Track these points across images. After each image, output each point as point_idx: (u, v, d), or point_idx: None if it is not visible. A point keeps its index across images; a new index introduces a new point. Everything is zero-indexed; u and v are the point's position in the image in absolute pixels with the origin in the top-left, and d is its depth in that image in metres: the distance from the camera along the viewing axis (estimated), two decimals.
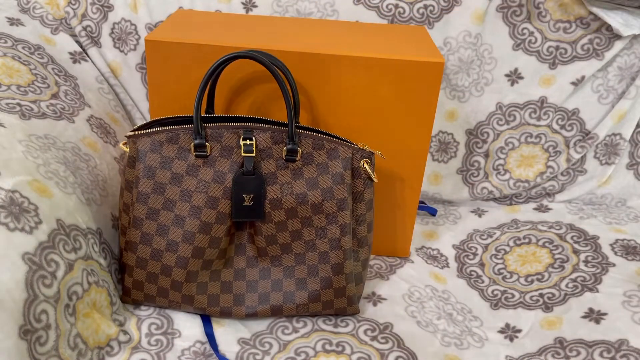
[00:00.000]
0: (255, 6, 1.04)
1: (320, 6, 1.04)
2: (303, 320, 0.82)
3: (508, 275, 0.97)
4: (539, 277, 0.95)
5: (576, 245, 1.01)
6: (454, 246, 1.04)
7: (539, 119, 1.10)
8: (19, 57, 0.91)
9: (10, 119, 0.78)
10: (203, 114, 0.82)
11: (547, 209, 1.13)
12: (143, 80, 1.07)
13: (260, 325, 0.81)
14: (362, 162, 0.79)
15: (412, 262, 0.97)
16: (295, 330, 0.80)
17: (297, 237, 0.79)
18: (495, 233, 1.07)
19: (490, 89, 1.07)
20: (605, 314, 0.85)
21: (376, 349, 0.77)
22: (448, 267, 0.99)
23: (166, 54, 0.83)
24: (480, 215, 1.12)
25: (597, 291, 0.90)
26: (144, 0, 1.03)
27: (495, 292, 0.93)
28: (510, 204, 1.16)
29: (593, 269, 0.95)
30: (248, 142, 0.75)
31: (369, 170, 0.79)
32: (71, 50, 1.02)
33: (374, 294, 0.88)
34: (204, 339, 0.78)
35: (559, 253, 1.00)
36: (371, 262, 0.96)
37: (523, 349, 0.82)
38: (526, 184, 1.13)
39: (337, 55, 0.82)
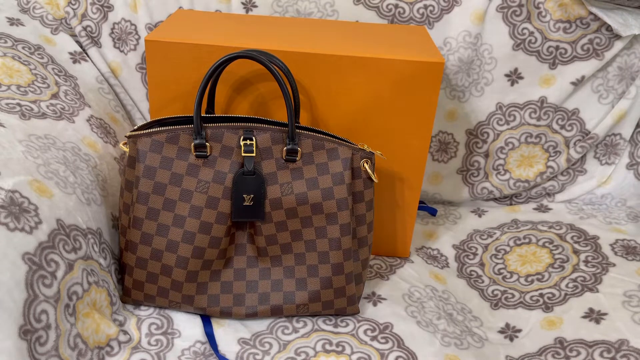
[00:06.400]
0: (255, 6, 1.04)
1: (320, 6, 1.04)
2: (303, 320, 0.82)
3: (508, 275, 0.97)
4: (539, 277, 0.95)
5: (576, 245, 1.01)
6: (454, 246, 1.04)
7: (539, 119, 1.10)
8: (19, 57, 0.91)
9: (10, 119, 0.78)
10: (203, 114, 0.82)
11: (547, 209, 1.13)
12: (143, 80, 1.07)
13: (260, 325, 0.81)
14: (362, 162, 0.79)
15: (412, 262, 0.97)
16: (295, 330, 0.80)
17: (297, 237, 0.79)
18: (495, 233, 1.07)
19: (490, 89, 1.07)
20: (605, 314, 0.85)
21: (376, 349, 0.77)
22: (448, 267, 0.99)
23: (166, 54, 0.83)
24: (480, 215, 1.12)
25: (597, 291, 0.90)
26: (144, 0, 1.03)
27: (496, 292, 0.93)
28: (510, 204, 1.16)
29: (593, 269, 0.95)
30: (248, 142, 0.75)
31: (369, 170, 0.79)
32: (71, 50, 1.02)
33: (374, 294, 0.88)
34: (204, 339, 0.78)
35: (559, 253, 1.00)
36: (371, 262, 0.96)
37: (523, 349, 0.82)
38: (526, 184, 1.13)
39: (337, 55, 0.82)
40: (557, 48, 1.05)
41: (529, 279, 0.95)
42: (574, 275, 0.94)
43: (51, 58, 0.97)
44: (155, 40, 0.82)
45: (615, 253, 0.98)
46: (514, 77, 1.07)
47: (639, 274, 0.93)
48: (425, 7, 1.03)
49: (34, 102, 0.85)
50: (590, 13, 1.03)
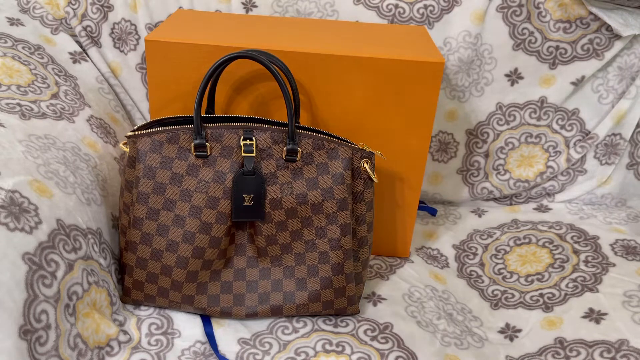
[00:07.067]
0: (255, 6, 1.04)
1: (320, 6, 1.04)
2: (303, 320, 0.82)
3: (508, 275, 0.97)
4: (539, 277, 0.95)
5: (576, 245, 1.01)
6: (454, 246, 1.04)
7: (539, 119, 1.10)
8: (19, 57, 0.91)
9: (10, 119, 0.78)
10: (203, 114, 0.82)
11: (547, 209, 1.13)
12: (143, 80, 1.07)
13: (260, 325, 0.81)
14: (362, 162, 0.79)
15: (412, 262, 0.97)
16: (295, 330, 0.80)
17: (297, 237, 0.79)
18: (495, 233, 1.07)
19: (490, 89, 1.07)
20: (605, 314, 0.85)
21: (376, 349, 0.77)
22: (448, 267, 0.99)
23: (166, 54, 0.83)
24: (480, 215, 1.12)
25: (597, 291, 0.90)
26: (143, 0, 1.03)
27: (495, 292, 0.93)
28: (510, 204, 1.16)
29: (593, 269, 0.95)
30: (248, 142, 0.75)
31: (369, 171, 0.79)
32: (71, 50, 1.02)
33: (374, 294, 0.88)
34: (204, 339, 0.78)
35: (559, 253, 1.00)
36: (371, 262, 0.96)
37: (523, 349, 0.82)
38: (526, 184, 1.13)
39: (337, 55, 0.82)
40: (557, 48, 1.05)
41: (529, 279, 0.95)
42: (574, 275, 0.94)
43: (51, 58, 0.97)
44: (155, 40, 0.82)
45: (615, 253, 0.98)
46: (514, 77, 1.07)
47: (639, 274, 0.93)
48: (425, 7, 1.03)
49: (34, 102, 0.85)
50: (590, 13, 1.03)
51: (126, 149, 0.76)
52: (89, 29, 1.04)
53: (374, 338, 0.79)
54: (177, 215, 0.76)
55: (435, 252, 1.02)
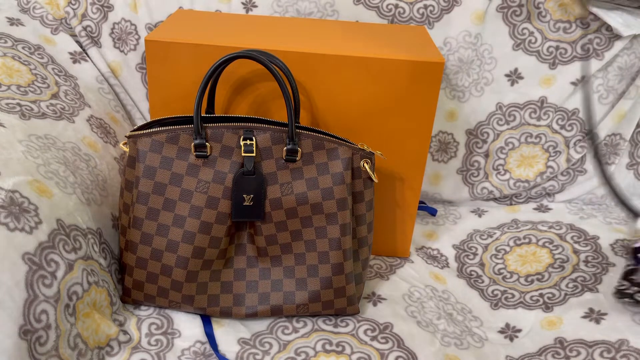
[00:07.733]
0: (255, 6, 1.04)
1: (320, 6, 1.04)
2: (303, 320, 0.82)
3: (508, 275, 0.97)
4: (539, 277, 0.95)
5: (576, 245, 1.01)
6: (454, 246, 1.04)
7: (539, 119, 1.10)
8: (19, 57, 0.91)
9: (10, 119, 0.78)
10: (203, 114, 0.82)
11: (547, 209, 1.13)
12: (143, 80, 1.07)
13: (260, 325, 0.81)
14: (362, 162, 0.79)
15: (412, 262, 0.97)
16: (295, 330, 0.80)
17: (297, 237, 0.79)
18: (495, 233, 1.07)
19: (490, 89, 1.07)
20: (605, 314, 0.86)
21: (376, 349, 0.77)
22: (448, 267, 0.99)
23: (166, 54, 0.83)
24: (480, 215, 1.12)
25: (597, 291, 0.90)
26: (143, 0, 1.03)
27: (495, 292, 0.93)
28: (510, 204, 1.16)
29: (593, 269, 0.95)
30: (248, 142, 0.75)
31: (369, 171, 0.79)
32: (71, 50, 1.02)
33: (374, 294, 0.88)
34: (204, 339, 0.78)
35: (559, 253, 1.00)
36: (371, 262, 0.96)
37: (523, 349, 0.82)
38: (526, 184, 1.14)
39: (337, 55, 0.82)
40: (557, 48, 1.05)
41: (529, 279, 0.95)
42: (574, 275, 0.94)
43: (51, 58, 0.97)
44: (155, 40, 0.83)
45: (615, 253, 0.98)
46: (514, 77, 1.07)
47: None
48: (425, 7, 1.03)
49: (34, 102, 0.85)
50: (590, 13, 1.03)
51: (126, 149, 0.76)
52: (89, 29, 1.04)
53: (374, 338, 0.79)
54: (177, 215, 0.76)
55: (435, 252, 1.02)
